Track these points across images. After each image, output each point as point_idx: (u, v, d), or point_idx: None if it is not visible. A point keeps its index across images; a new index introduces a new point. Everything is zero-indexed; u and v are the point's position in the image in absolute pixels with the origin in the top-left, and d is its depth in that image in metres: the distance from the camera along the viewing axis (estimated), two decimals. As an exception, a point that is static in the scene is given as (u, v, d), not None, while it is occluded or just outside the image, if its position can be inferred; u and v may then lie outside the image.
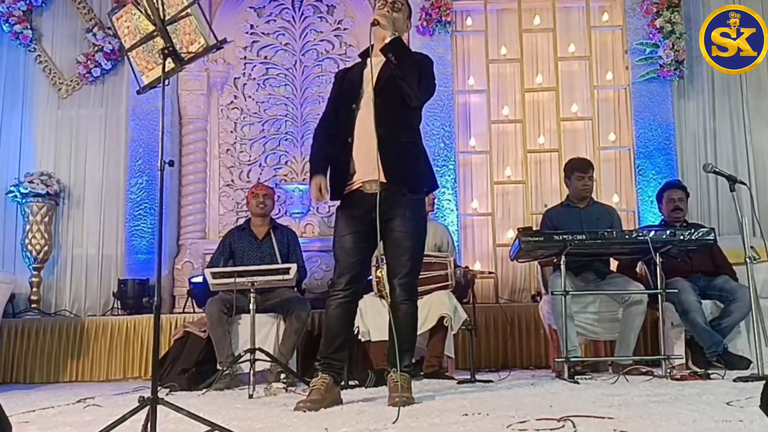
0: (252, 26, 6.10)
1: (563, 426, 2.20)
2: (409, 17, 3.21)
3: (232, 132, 6.02)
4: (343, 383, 3.14)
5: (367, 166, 2.93)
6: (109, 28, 5.70)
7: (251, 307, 3.80)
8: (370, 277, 4.00)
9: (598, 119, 5.76)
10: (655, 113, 5.62)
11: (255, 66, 6.07)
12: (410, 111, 3.05)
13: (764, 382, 1.75)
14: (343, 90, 3.13)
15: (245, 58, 6.07)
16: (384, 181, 2.88)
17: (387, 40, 2.95)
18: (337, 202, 3.11)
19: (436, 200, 4.90)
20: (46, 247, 5.60)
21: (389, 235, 2.98)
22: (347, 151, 3.01)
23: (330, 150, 3.12)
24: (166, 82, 2.27)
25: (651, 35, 5.64)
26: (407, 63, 2.96)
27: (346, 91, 3.08)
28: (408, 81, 2.95)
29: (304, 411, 2.74)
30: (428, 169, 3.13)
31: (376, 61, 3.01)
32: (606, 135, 5.76)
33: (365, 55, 3.08)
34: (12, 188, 5.61)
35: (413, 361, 3.19)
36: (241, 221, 5.07)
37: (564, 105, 5.79)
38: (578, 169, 4.47)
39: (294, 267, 3.93)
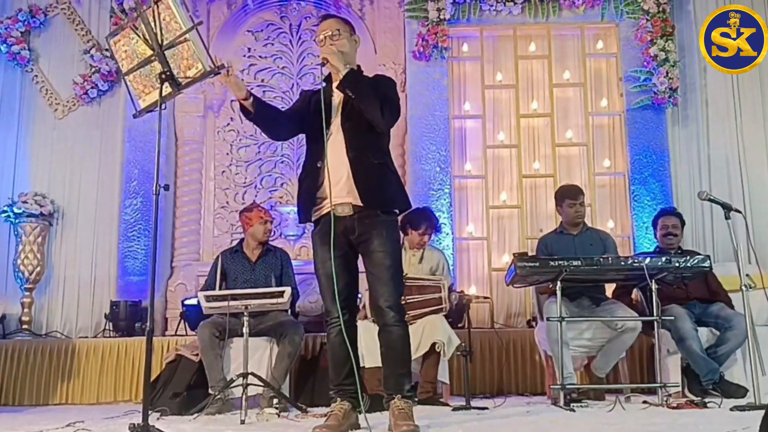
0: (249, 49, 6.13)
1: (560, 456, 2.17)
2: (353, 33, 3.14)
3: (227, 154, 6.02)
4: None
5: (337, 189, 2.90)
6: (106, 50, 5.70)
7: (244, 330, 3.76)
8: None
9: (592, 145, 5.79)
10: (650, 140, 5.66)
11: (252, 89, 5.95)
12: (378, 133, 3.04)
13: (765, 411, 1.72)
14: (309, 114, 3.10)
15: (242, 81, 6.05)
16: (358, 203, 2.90)
17: (342, 75, 2.96)
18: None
19: (434, 235, 4.78)
20: (38, 268, 5.55)
21: (369, 256, 2.95)
22: (316, 175, 3.00)
23: (274, 111, 3.24)
24: (163, 105, 2.26)
25: (645, 63, 5.69)
26: (365, 96, 2.95)
27: (314, 117, 3.04)
28: (370, 112, 2.94)
29: None
30: (400, 190, 3.10)
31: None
32: (601, 161, 5.79)
33: (329, 80, 3.07)
34: (5, 208, 5.57)
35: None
36: (236, 243, 5.01)
37: (559, 131, 5.82)
38: (569, 197, 4.47)
39: (288, 290, 3.88)
